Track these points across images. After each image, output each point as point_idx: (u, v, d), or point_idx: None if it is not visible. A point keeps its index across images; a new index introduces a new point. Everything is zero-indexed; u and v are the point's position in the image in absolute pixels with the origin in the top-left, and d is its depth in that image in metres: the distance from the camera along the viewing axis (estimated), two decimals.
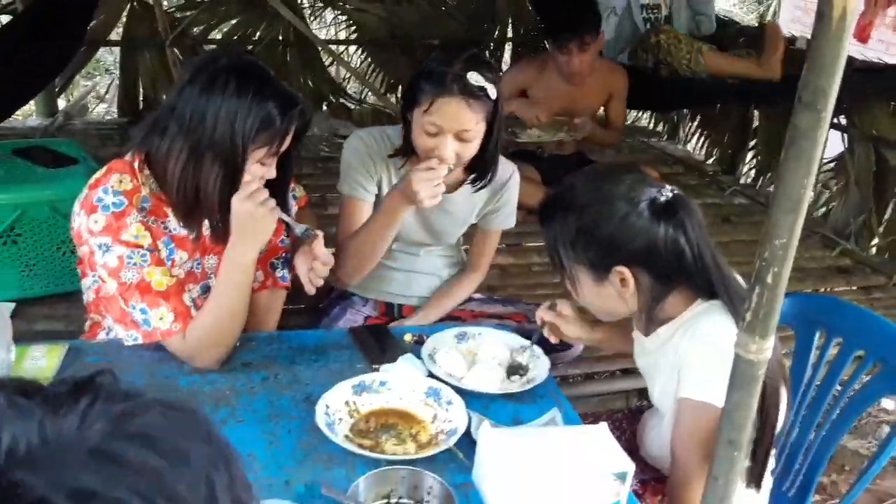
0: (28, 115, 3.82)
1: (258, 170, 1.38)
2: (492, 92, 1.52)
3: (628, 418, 1.64)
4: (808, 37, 3.05)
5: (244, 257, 1.37)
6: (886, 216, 3.03)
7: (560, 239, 1.27)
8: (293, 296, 2.10)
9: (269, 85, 1.35)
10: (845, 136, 3.20)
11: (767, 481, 1.48)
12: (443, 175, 1.49)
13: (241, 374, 1.40)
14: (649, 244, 1.21)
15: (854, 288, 2.71)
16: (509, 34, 4.57)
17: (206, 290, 1.57)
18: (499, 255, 2.58)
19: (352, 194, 1.71)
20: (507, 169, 1.77)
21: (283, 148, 1.39)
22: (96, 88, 4.97)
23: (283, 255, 1.65)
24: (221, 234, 1.40)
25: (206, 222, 1.42)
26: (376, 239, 1.64)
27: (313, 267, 1.49)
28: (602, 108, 3.04)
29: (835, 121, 3.26)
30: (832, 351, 1.64)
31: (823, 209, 3.32)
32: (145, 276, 1.35)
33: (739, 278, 1.29)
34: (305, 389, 1.35)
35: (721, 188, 3.56)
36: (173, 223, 1.43)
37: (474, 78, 1.49)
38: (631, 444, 1.57)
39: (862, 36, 2.92)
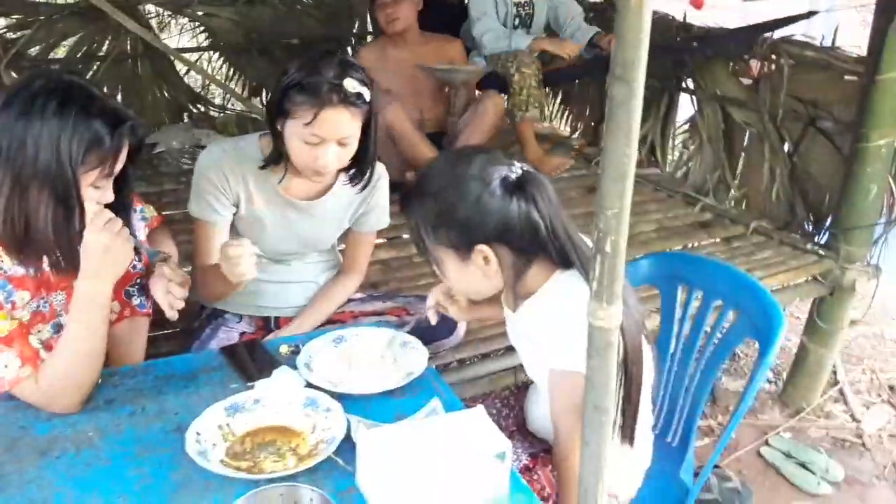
0: None
1: (92, 194, 1.30)
2: (367, 95, 1.53)
3: (515, 395, 1.68)
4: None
5: (98, 294, 1.30)
6: (739, 169, 3.22)
7: (422, 225, 1.29)
8: (161, 321, 2.01)
9: (93, 103, 1.27)
10: (694, 98, 3.38)
11: (648, 436, 1.55)
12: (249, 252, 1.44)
13: (105, 413, 1.32)
14: (505, 221, 1.24)
15: (717, 240, 2.87)
16: (369, 28, 4.53)
17: (58, 328, 1.47)
18: (380, 250, 2.58)
19: (201, 216, 1.64)
20: (376, 170, 1.76)
21: (117, 168, 1.31)
22: None
23: (138, 280, 1.57)
24: (64, 268, 1.31)
25: (45, 258, 1.33)
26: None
27: (169, 290, 1.43)
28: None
29: (684, 85, 3.45)
30: (695, 304, 1.74)
31: (684, 169, 3.49)
32: None
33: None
34: (175, 419, 1.29)
35: (587, 160, 3.68)
36: (7, 263, 1.33)
37: (351, 85, 1.49)
38: (519, 420, 1.61)
39: (696, 3, 3.08)
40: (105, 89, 3.93)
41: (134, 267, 1.55)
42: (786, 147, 2.97)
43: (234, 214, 1.69)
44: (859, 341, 3.24)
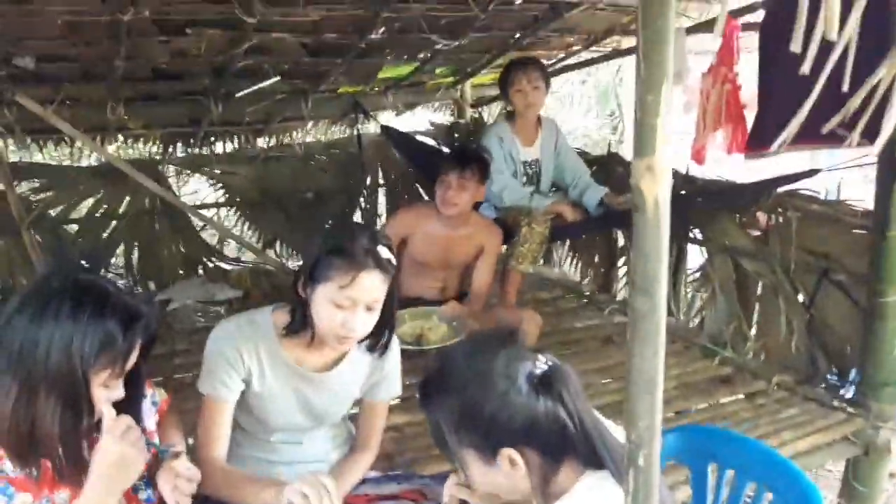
0: None
1: (102, 393, 1.28)
2: (395, 262, 1.59)
3: None
4: None
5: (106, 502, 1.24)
6: (755, 320, 3.19)
7: (444, 424, 1.22)
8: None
9: (107, 302, 1.27)
10: (703, 249, 3.41)
11: None
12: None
13: None
14: (532, 421, 1.17)
15: (741, 396, 2.79)
16: (380, 181, 4.68)
17: None
18: (393, 414, 2.49)
19: (210, 393, 1.61)
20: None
21: (129, 366, 1.30)
22: None
23: (145, 474, 1.50)
24: (67, 472, 1.26)
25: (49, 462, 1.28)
26: None
27: (177, 485, 1.37)
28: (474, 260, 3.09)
29: (692, 236, 3.48)
30: (726, 486, 1.65)
31: (698, 318, 3.46)
32: None
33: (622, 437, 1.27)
34: None
35: (600, 308, 3.66)
36: (9, 465, 1.28)
37: (384, 252, 1.55)
38: None
39: (698, 158, 3.17)
40: (122, 247, 4.02)
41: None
42: (801, 298, 2.95)
43: (244, 391, 1.66)
44: None
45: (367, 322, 1.57)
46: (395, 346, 1.78)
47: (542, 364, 1.22)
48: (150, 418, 1.53)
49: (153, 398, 1.59)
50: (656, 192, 0.86)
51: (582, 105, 8.90)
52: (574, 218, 3.35)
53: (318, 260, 1.54)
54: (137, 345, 1.29)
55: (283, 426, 1.72)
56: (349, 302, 1.52)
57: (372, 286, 1.53)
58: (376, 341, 1.69)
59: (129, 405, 1.34)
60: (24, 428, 1.22)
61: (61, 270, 1.34)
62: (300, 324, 1.60)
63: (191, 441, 1.64)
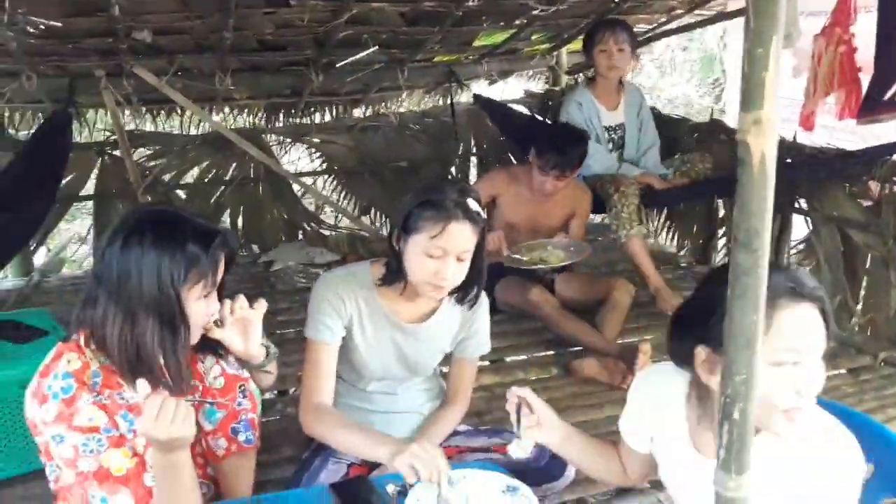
0: (3, 276, 3.83)
1: (201, 308, 1.41)
2: (483, 214, 1.66)
3: None
4: None
5: (174, 464, 1.32)
6: (862, 294, 3.05)
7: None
8: (273, 446, 2.06)
9: (183, 225, 1.39)
10: (808, 219, 3.27)
11: None
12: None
13: None
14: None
15: (843, 371, 2.70)
16: (473, 149, 4.70)
17: None
18: (483, 375, 2.56)
19: (316, 337, 1.72)
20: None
21: (219, 278, 1.42)
22: (76, 234, 5.02)
23: (244, 416, 1.61)
24: (170, 387, 1.38)
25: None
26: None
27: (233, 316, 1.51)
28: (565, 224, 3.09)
29: (797, 205, 3.35)
30: None
31: None
32: (102, 463, 1.32)
33: None
34: None
35: (696, 279, 3.58)
36: (129, 392, 1.41)
37: (472, 204, 1.63)
38: None
39: (807, 125, 3.04)
40: (229, 210, 4.23)
41: (239, 404, 1.60)
42: None
43: (345, 338, 1.75)
44: None
45: (457, 272, 1.63)
46: (485, 306, 1.84)
47: None
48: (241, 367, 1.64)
49: None
50: (763, 147, 0.85)
51: (684, 72, 8.59)
52: (663, 187, 3.28)
53: (410, 212, 1.62)
54: (221, 259, 1.41)
55: (379, 375, 1.81)
56: (440, 252, 1.59)
57: (461, 236, 1.59)
58: (466, 293, 1.74)
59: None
60: (131, 349, 1.36)
61: (140, 207, 1.46)
62: (395, 274, 1.67)
63: (293, 390, 1.74)
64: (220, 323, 1.53)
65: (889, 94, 2.57)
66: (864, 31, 2.74)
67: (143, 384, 1.28)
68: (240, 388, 1.62)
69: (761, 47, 0.81)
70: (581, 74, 4.82)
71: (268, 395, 2.28)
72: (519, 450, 1.47)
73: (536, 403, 1.47)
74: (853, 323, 3.03)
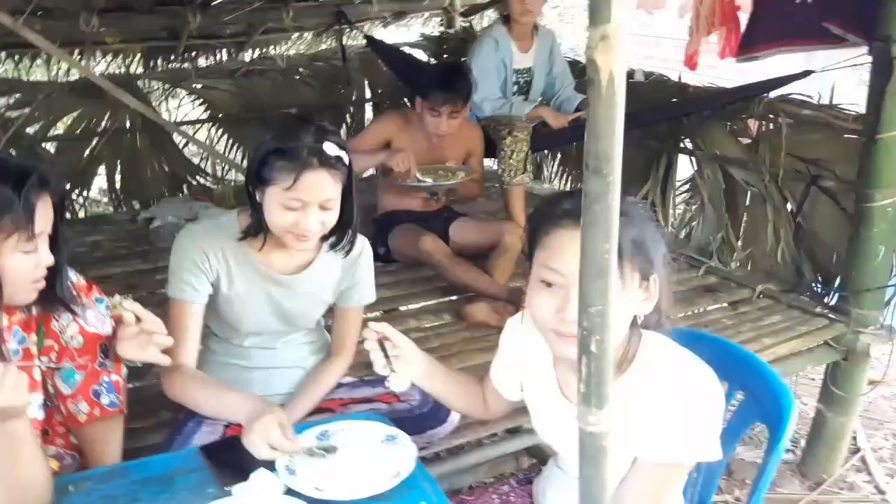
0: None
1: (23, 259, 1.27)
2: (346, 159, 1.53)
3: (516, 489, 1.57)
4: (644, 69, 3.17)
5: (5, 434, 1.18)
6: (742, 231, 3.16)
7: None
8: (149, 412, 1.95)
9: None
10: (693, 159, 3.34)
11: None
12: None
13: None
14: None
15: (724, 305, 2.79)
16: (367, 95, 4.56)
17: None
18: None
19: (179, 297, 1.60)
20: (357, 244, 1.72)
21: (40, 228, 1.28)
22: None
23: (106, 378, 1.49)
24: None
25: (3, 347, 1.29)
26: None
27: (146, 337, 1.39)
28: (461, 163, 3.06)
29: (682, 145, 3.42)
30: None
31: (686, 230, 3.43)
32: None
33: None
34: None
35: None
36: None
37: (330, 148, 1.49)
38: None
39: (690, 64, 3.08)
40: (104, 164, 3.96)
41: (100, 364, 1.47)
42: (789, 207, 2.91)
43: (213, 295, 1.65)
44: (879, 403, 3.11)
45: (323, 221, 1.54)
46: (367, 254, 1.76)
47: None
48: (105, 324, 1.51)
49: (105, 304, 1.56)
50: (611, 64, 0.80)
51: (585, 20, 8.67)
52: (557, 123, 3.27)
53: (262, 161, 1.50)
54: (38, 203, 1.26)
55: (256, 330, 1.71)
56: (298, 203, 1.49)
57: (319, 186, 1.48)
58: (339, 239, 1.65)
59: (53, 273, 1.35)
60: None
61: None
62: (256, 226, 1.57)
63: None
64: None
65: (765, 32, 2.62)
66: None
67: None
68: (101, 346, 1.49)
69: None
70: (477, 16, 4.75)
71: None
72: (397, 382, 1.41)
73: (396, 337, 1.40)
74: (734, 258, 3.14)
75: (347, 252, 1.68)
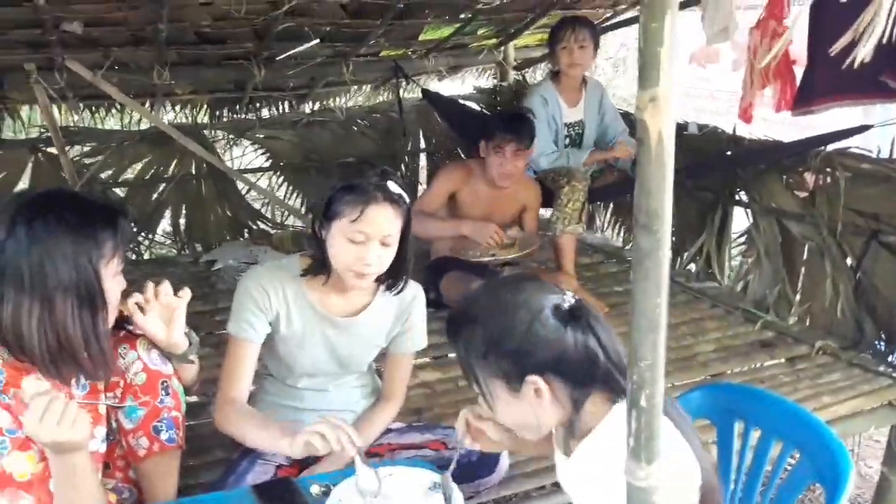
0: None
1: (115, 286, 1.40)
2: (406, 198, 1.62)
3: None
4: (698, 122, 3.17)
5: (65, 466, 1.27)
6: (800, 285, 3.09)
7: (471, 353, 1.23)
8: (204, 449, 2.00)
9: (83, 202, 1.39)
10: (748, 211, 3.31)
11: None
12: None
13: None
14: (560, 350, 1.18)
15: (782, 361, 2.73)
16: (422, 145, 4.67)
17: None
18: (424, 371, 2.54)
19: (238, 334, 1.67)
20: (411, 289, 1.77)
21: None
22: None
23: (166, 414, 1.55)
24: (93, 370, 1.38)
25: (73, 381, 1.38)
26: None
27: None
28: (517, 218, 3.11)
29: (738, 198, 3.39)
30: (753, 442, 1.62)
31: (742, 283, 3.38)
32: (5, 468, 1.25)
33: None
34: None
35: None
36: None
37: (393, 186, 1.59)
38: None
39: (745, 117, 3.07)
40: (170, 208, 4.13)
41: (160, 401, 1.54)
42: (848, 261, 2.84)
43: (272, 335, 1.70)
44: None
45: (382, 257, 1.60)
46: (421, 299, 1.80)
47: (569, 298, 1.23)
48: (166, 362, 1.58)
49: None
50: (660, 125, 0.83)
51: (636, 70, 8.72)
52: (617, 154, 3.32)
53: (331, 198, 1.59)
54: (129, 232, 1.42)
55: (310, 371, 1.76)
56: (362, 236, 1.56)
57: (382, 219, 1.56)
58: (395, 279, 1.71)
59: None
60: (51, 339, 1.31)
61: (18, 196, 1.44)
62: (319, 263, 1.63)
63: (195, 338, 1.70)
64: (142, 309, 1.49)
65: (821, 86, 2.61)
66: (798, 24, 2.77)
67: (30, 382, 1.23)
68: (162, 384, 1.56)
69: (655, 21, 0.79)
70: (530, 69, 4.84)
71: (200, 398, 2.21)
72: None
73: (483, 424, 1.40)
74: (792, 312, 3.07)
75: (400, 292, 1.72)
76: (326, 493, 1.42)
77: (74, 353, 1.34)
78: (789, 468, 1.55)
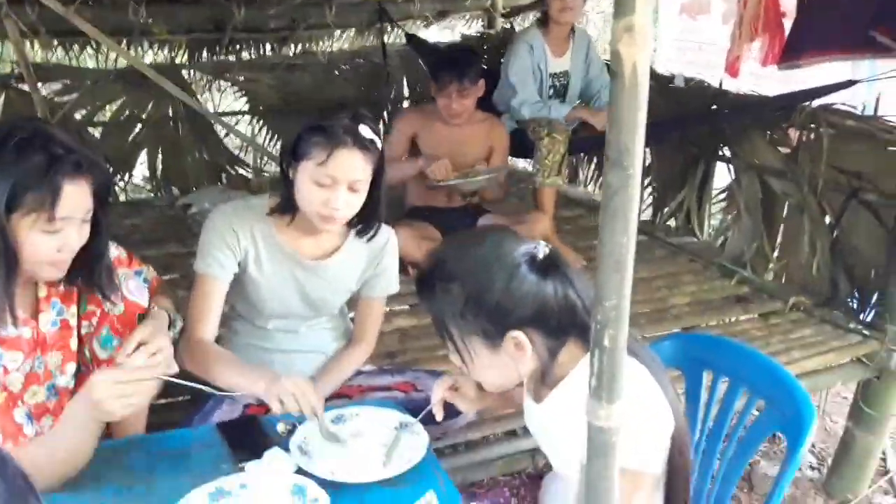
0: None
1: (41, 239, 1.26)
2: (379, 143, 1.57)
3: (527, 484, 1.58)
4: (685, 75, 3.12)
5: (89, 421, 1.25)
6: (778, 241, 3.10)
7: (447, 312, 1.21)
8: (170, 389, 1.98)
9: (33, 141, 1.22)
10: (731, 166, 3.29)
11: None
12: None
13: (90, 491, 1.27)
14: (541, 304, 1.17)
15: (755, 316, 2.75)
16: (405, 93, 4.59)
17: (53, 389, 1.45)
18: (399, 318, 2.53)
19: (205, 271, 1.64)
20: (383, 234, 1.74)
21: (65, 212, 1.26)
22: None
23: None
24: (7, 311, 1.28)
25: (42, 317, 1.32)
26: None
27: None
28: (485, 160, 3.06)
29: (721, 153, 3.37)
30: (721, 390, 1.63)
31: (721, 239, 3.38)
32: None
33: None
34: (160, 501, 1.24)
35: None
36: (11, 328, 1.31)
37: (365, 130, 1.53)
38: None
39: (732, 70, 3.04)
40: (146, 151, 4.05)
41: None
42: (827, 219, 2.85)
43: (240, 275, 1.68)
44: None
45: (350, 202, 1.56)
46: (393, 244, 1.77)
47: (543, 248, 1.21)
48: (143, 294, 1.54)
49: (144, 276, 1.60)
50: (635, 56, 0.79)
51: None
52: (599, 121, 3.25)
53: (299, 137, 1.53)
54: (64, 185, 1.24)
55: (280, 313, 1.74)
56: (329, 180, 1.51)
57: (351, 165, 1.51)
58: (366, 224, 1.68)
59: (91, 260, 1.38)
60: None
61: (17, 121, 1.33)
62: (286, 203, 1.59)
63: (180, 323, 1.66)
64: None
65: (809, 40, 2.57)
66: None
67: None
68: (138, 317, 1.53)
69: None
70: (518, 17, 4.75)
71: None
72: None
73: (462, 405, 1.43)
74: (769, 269, 3.08)
75: (371, 238, 1.70)
76: (292, 432, 1.42)
77: None
78: (753, 418, 1.56)
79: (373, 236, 1.70)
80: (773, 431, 1.50)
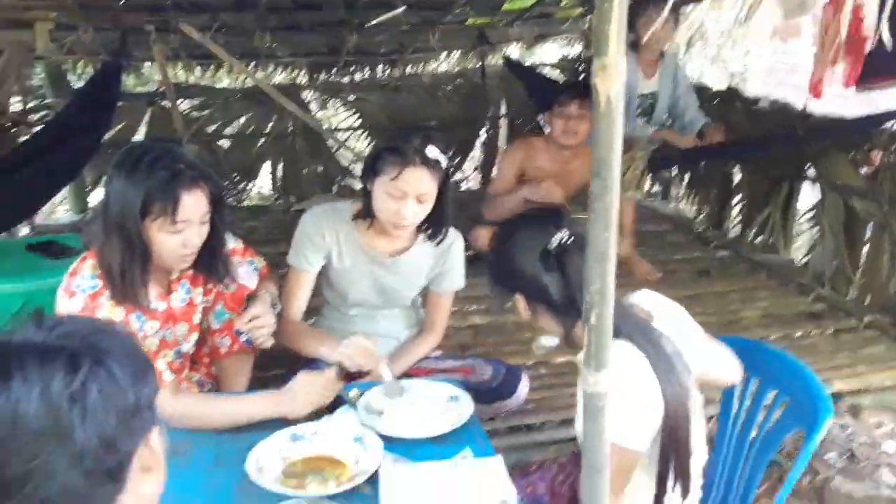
0: (51, 212, 4.23)
1: (167, 238, 1.55)
2: (443, 162, 1.82)
3: (573, 461, 1.75)
4: (771, 97, 3.21)
5: (263, 410, 1.57)
6: (861, 261, 3.09)
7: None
8: (268, 362, 2.31)
9: (160, 160, 1.51)
10: (816, 186, 3.32)
11: None
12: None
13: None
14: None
15: (827, 332, 2.78)
16: (503, 111, 4.84)
17: (180, 354, 1.79)
18: (474, 315, 2.77)
19: (296, 266, 1.93)
20: (450, 236, 1.98)
21: (186, 215, 1.53)
22: None
23: None
24: (121, 297, 1.57)
25: (174, 295, 1.65)
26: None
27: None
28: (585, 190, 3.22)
29: (805, 174, 3.39)
30: (752, 390, 1.75)
31: (802, 257, 3.40)
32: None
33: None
34: (251, 440, 1.52)
35: (705, 243, 3.68)
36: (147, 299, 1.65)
37: (431, 151, 1.78)
38: (575, 488, 1.69)
39: (815, 92, 3.07)
40: (268, 162, 4.51)
41: (245, 308, 1.83)
42: None
43: (326, 268, 1.97)
44: None
45: (417, 212, 1.81)
46: (459, 245, 2.01)
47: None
48: (252, 279, 1.88)
49: (255, 265, 1.93)
50: (609, 90, 1.01)
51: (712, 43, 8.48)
52: (683, 144, 3.37)
53: (376, 156, 1.80)
54: (183, 195, 1.51)
55: (360, 301, 2.02)
56: (399, 193, 1.77)
57: (417, 180, 1.76)
58: (434, 232, 1.93)
59: (209, 256, 1.67)
60: (110, 266, 1.55)
61: (144, 142, 1.65)
62: (366, 211, 1.87)
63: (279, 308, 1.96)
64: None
65: (884, 65, 2.60)
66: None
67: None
68: (247, 297, 1.85)
69: (608, 2, 0.97)
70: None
71: None
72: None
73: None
74: (850, 288, 3.08)
75: (439, 243, 1.95)
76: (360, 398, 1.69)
77: (129, 285, 1.56)
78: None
79: (441, 240, 1.95)
80: (794, 428, 1.62)
